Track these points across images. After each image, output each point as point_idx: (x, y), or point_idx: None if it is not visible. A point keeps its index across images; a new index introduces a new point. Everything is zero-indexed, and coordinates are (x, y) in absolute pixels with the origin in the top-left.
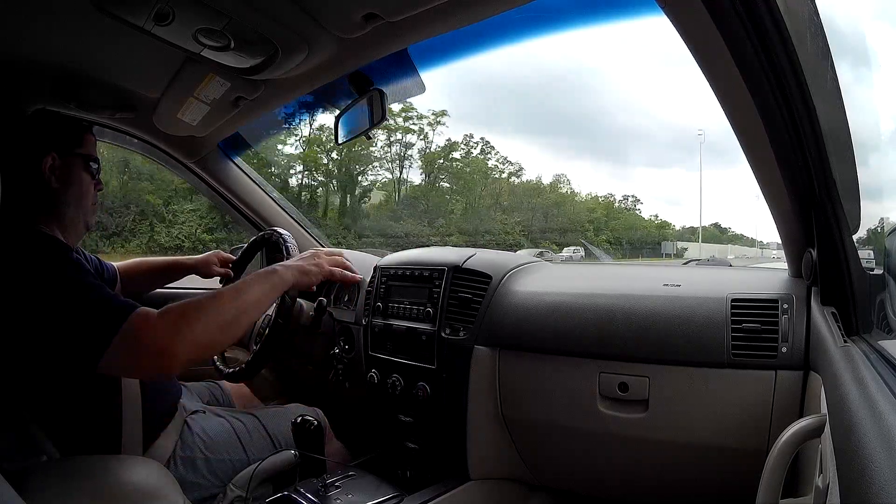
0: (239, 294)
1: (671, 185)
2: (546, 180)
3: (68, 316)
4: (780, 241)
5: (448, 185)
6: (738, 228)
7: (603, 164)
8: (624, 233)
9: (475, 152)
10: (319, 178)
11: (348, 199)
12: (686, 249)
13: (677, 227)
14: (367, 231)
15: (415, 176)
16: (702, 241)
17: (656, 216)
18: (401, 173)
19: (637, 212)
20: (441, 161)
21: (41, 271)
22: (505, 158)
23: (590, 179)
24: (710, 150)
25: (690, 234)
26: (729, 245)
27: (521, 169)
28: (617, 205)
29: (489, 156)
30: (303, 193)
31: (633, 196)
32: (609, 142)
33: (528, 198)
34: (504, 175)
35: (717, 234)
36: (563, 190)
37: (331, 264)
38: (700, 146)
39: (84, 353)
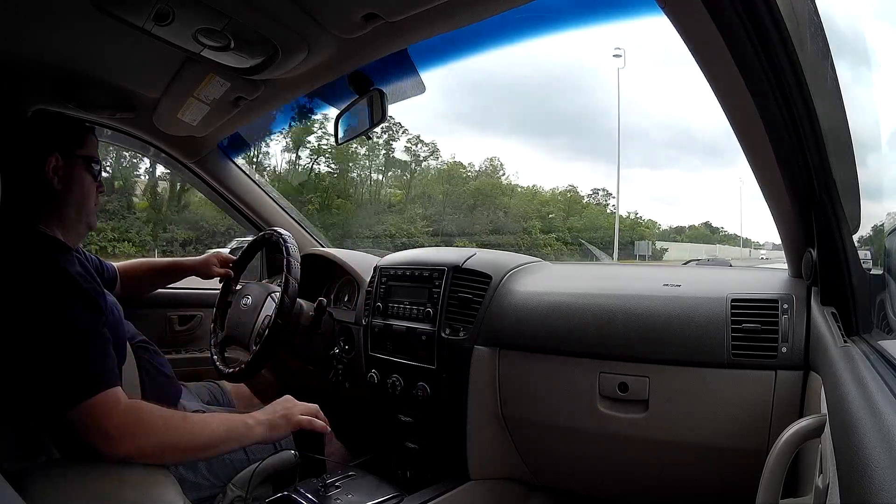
0: (205, 428)
1: (667, 185)
2: (478, 165)
3: (50, 361)
4: (774, 242)
5: (325, 171)
6: (731, 228)
7: (600, 165)
8: (586, 232)
9: (377, 131)
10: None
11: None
12: (667, 251)
13: (664, 227)
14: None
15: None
16: (690, 242)
17: (635, 213)
18: (255, 156)
19: (610, 207)
20: (313, 141)
21: (41, 292)
22: (418, 138)
23: (587, 180)
24: (708, 151)
25: (676, 233)
26: (717, 245)
27: (436, 150)
28: (586, 199)
29: (397, 136)
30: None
31: (603, 190)
32: (606, 143)
33: (439, 185)
34: (420, 158)
35: (708, 233)
36: (504, 180)
37: (303, 413)
38: (618, 73)
39: (52, 403)
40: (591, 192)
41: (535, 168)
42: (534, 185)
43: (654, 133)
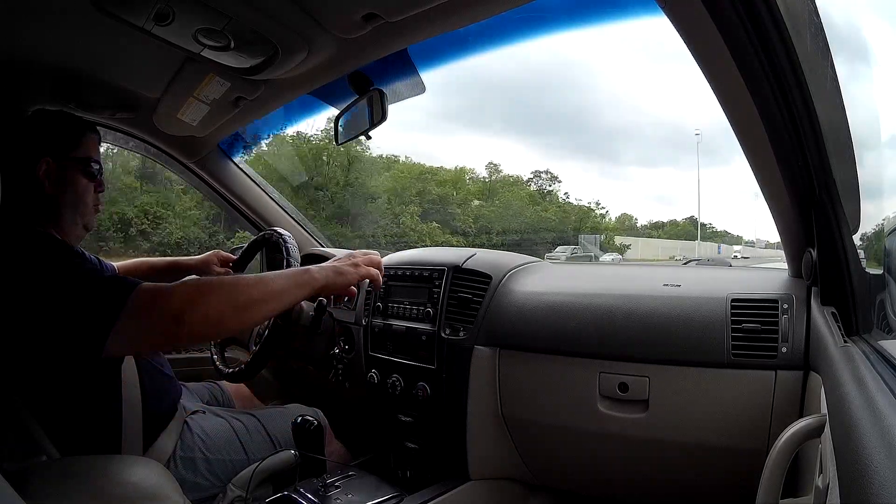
0: (260, 281)
1: (663, 183)
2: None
3: (71, 299)
4: (769, 239)
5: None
6: (720, 225)
7: (594, 164)
8: (498, 222)
9: None
10: None
11: None
12: (629, 247)
13: (642, 223)
14: None
15: None
16: (669, 238)
17: (597, 203)
18: None
19: (561, 195)
20: None
21: (41, 264)
22: None
23: (579, 179)
24: (703, 149)
25: (654, 229)
26: (696, 242)
27: None
28: (527, 182)
29: None
30: None
31: (547, 172)
32: (600, 140)
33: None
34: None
35: (692, 229)
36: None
37: (367, 264)
38: None
39: (90, 333)
40: (532, 175)
41: (523, 166)
42: (459, 166)
43: (650, 130)
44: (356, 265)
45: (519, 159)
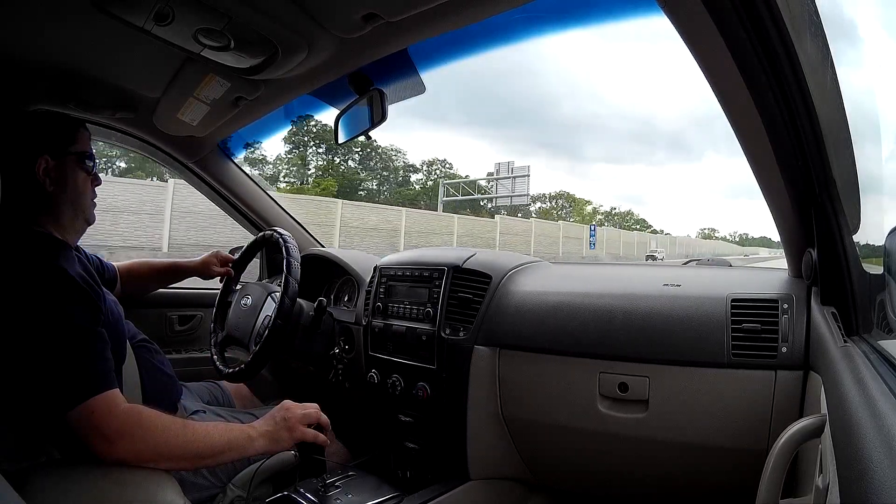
0: (205, 438)
1: (633, 181)
2: None
3: (50, 362)
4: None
5: None
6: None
7: (559, 161)
8: None
9: None
10: None
11: None
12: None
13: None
14: None
15: None
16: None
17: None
18: None
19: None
20: None
21: (41, 292)
22: None
23: (544, 176)
24: (673, 144)
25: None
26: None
27: None
28: None
29: None
30: None
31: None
32: (562, 134)
33: None
34: None
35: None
36: None
37: (304, 423)
38: None
39: (52, 403)
40: None
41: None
42: None
43: (616, 124)
44: (291, 428)
45: (478, 154)
